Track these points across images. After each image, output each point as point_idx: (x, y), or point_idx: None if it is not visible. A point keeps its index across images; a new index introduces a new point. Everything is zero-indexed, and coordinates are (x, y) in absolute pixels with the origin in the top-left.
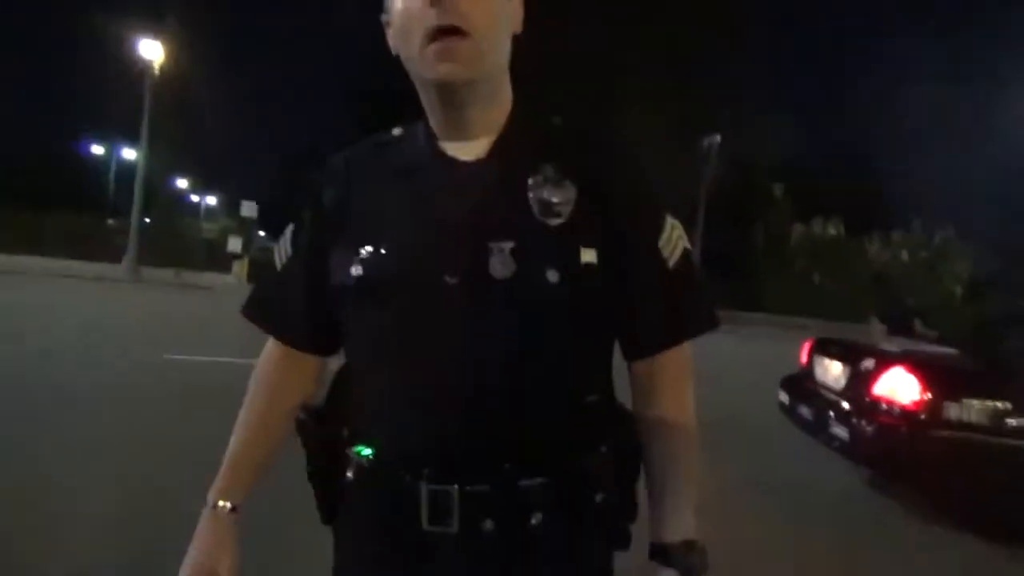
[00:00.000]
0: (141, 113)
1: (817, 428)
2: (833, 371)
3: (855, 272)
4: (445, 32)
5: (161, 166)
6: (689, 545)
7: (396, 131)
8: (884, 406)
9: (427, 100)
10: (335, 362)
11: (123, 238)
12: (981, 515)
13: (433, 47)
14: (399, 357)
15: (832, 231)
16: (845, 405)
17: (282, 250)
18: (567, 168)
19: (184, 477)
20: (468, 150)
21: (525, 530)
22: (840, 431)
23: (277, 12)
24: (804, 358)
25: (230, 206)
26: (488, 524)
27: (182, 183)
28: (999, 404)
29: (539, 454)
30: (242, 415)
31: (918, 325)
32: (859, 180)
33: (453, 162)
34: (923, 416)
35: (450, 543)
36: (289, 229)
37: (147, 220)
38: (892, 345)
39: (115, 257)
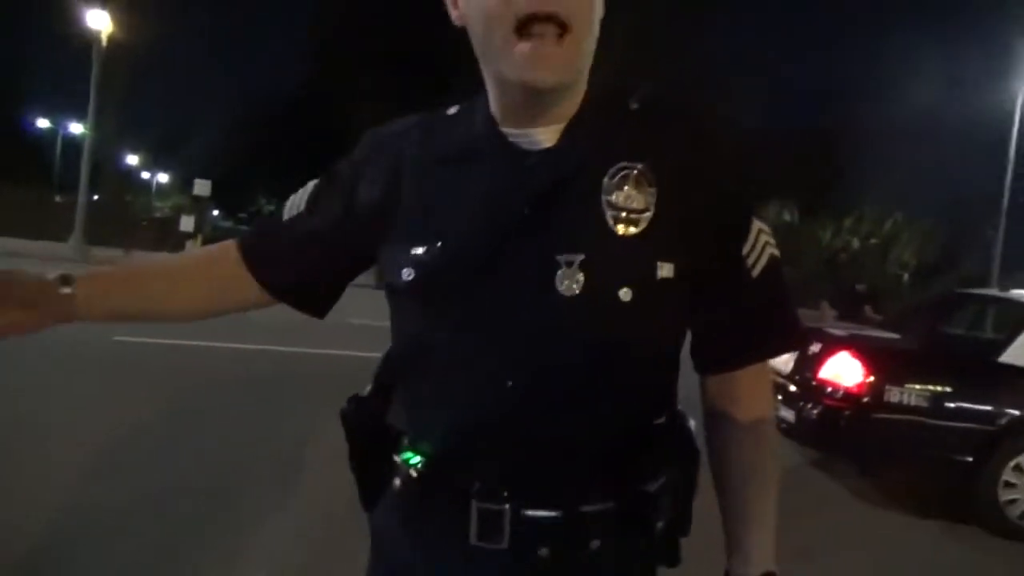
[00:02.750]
0: (89, 86)
1: None
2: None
3: (808, 258)
4: (539, 19)
5: (110, 141)
6: None
7: (451, 110)
8: (829, 389)
9: (500, 89)
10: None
11: (71, 215)
12: (920, 494)
13: (526, 48)
14: (452, 366)
15: (787, 217)
16: (792, 388)
17: (294, 204)
18: (645, 165)
19: (131, 455)
20: (534, 137)
21: (582, 556)
22: (787, 413)
23: None
24: None
25: (183, 184)
26: (543, 551)
27: (132, 159)
28: (938, 388)
29: (601, 479)
30: (165, 259)
31: (867, 310)
32: (813, 165)
33: (517, 151)
34: (866, 399)
35: (498, 559)
36: (311, 185)
37: (96, 197)
38: (839, 329)
39: (62, 235)
